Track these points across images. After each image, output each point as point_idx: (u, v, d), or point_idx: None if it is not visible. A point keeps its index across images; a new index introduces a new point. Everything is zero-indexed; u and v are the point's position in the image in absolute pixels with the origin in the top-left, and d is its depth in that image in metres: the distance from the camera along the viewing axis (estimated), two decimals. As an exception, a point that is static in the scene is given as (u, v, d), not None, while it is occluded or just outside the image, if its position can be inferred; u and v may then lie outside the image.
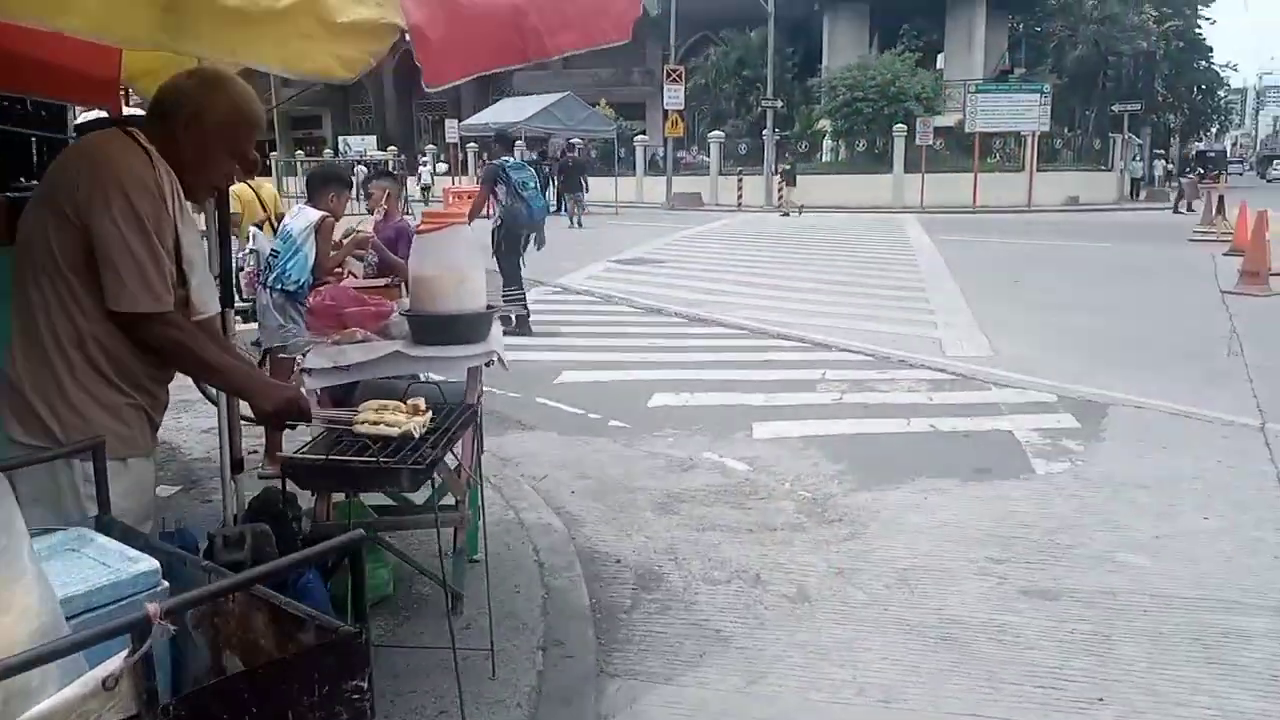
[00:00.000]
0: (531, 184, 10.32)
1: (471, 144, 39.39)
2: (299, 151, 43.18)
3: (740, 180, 36.85)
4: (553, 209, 26.82)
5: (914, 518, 5.26)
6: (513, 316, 9.76)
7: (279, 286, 5.71)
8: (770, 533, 5.08)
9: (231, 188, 5.98)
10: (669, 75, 34.97)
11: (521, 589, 4.22)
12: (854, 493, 5.66)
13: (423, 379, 3.92)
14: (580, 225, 26.56)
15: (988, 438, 6.78)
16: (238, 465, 3.84)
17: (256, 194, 8.14)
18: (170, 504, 5.04)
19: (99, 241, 2.48)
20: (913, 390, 8.14)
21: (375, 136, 48.19)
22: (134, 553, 1.88)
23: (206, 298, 2.78)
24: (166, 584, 1.84)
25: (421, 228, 7.26)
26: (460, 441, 3.81)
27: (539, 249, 10.87)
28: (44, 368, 2.55)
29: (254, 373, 2.73)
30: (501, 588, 4.20)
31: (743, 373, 8.72)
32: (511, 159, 11.17)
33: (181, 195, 2.64)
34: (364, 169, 24.72)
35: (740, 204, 36.13)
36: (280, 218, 7.40)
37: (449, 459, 3.48)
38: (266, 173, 23.50)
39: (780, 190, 33.47)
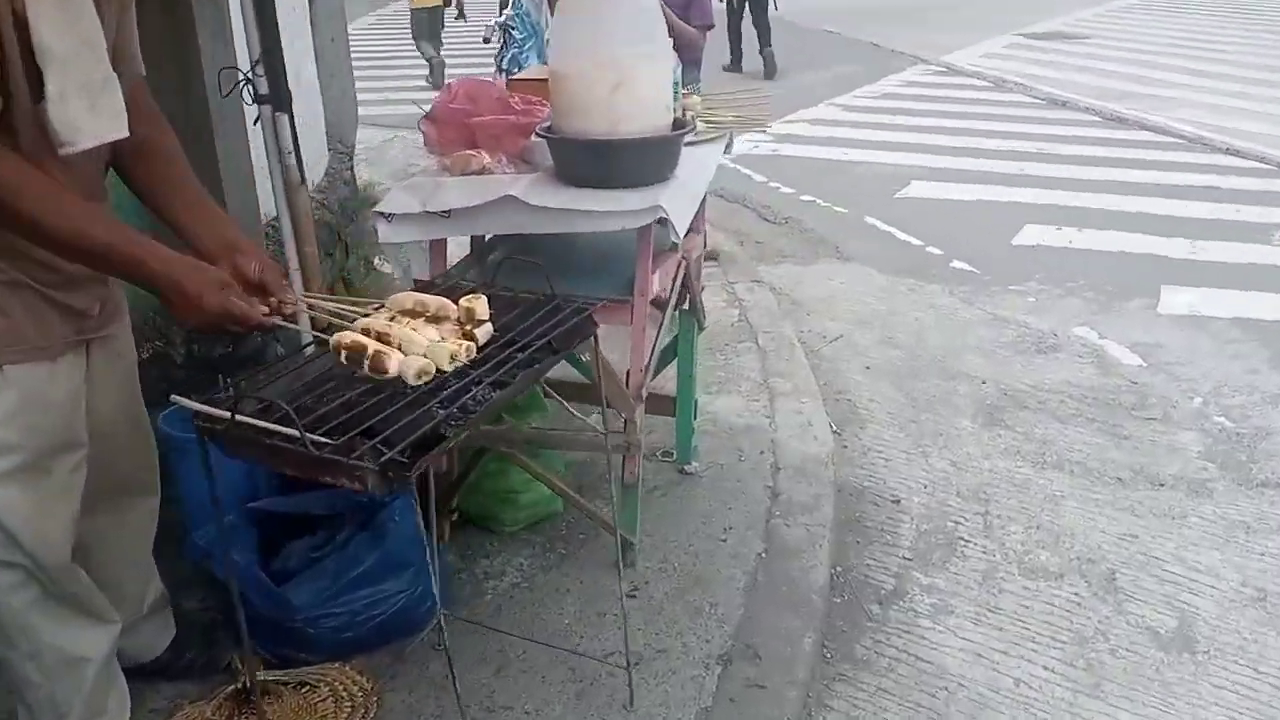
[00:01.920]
0: None
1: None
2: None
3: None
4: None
5: None
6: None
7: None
8: (1153, 491, 3.25)
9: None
10: None
11: (729, 538, 2.86)
12: (1312, 433, 3.59)
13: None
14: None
15: None
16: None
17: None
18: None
19: None
20: None
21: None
22: None
23: (80, 117, 1.56)
24: None
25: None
26: (634, 337, 2.44)
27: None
28: None
29: (155, 254, 1.52)
30: (700, 532, 2.87)
31: (1162, 204, 6.33)
32: None
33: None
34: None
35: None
36: None
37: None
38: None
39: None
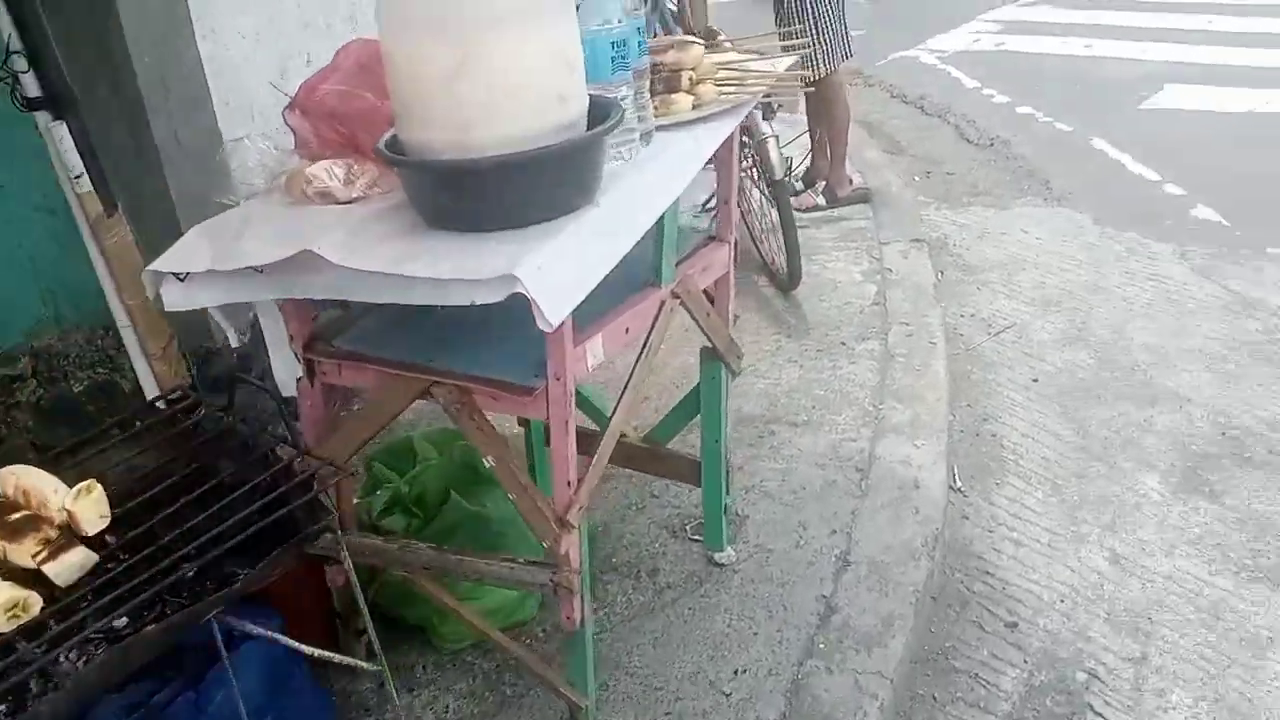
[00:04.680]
0: None
1: None
2: None
3: None
4: None
5: None
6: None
7: None
8: None
9: None
10: None
11: (737, 689, 2.05)
12: None
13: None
14: None
15: None
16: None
17: None
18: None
19: None
20: None
21: None
22: None
23: None
24: None
25: None
26: (554, 444, 1.68)
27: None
28: None
29: None
30: (702, 673, 2.09)
31: None
32: None
33: None
34: None
35: None
36: None
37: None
38: None
39: None
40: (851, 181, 4.42)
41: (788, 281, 3.56)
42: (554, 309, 1.30)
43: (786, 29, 4.15)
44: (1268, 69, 5.49)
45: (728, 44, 2.17)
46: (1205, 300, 3.47)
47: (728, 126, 1.82)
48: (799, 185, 4.42)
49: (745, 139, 3.51)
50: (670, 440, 2.35)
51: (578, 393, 1.98)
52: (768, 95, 1.96)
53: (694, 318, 1.99)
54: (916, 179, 4.87)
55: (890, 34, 7.13)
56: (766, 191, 3.58)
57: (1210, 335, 3.26)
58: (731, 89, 1.90)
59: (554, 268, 1.34)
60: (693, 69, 1.84)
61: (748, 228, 3.90)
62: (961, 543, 2.50)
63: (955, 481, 2.69)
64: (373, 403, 1.76)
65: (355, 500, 2.19)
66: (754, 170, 3.65)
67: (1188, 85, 5.44)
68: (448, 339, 1.73)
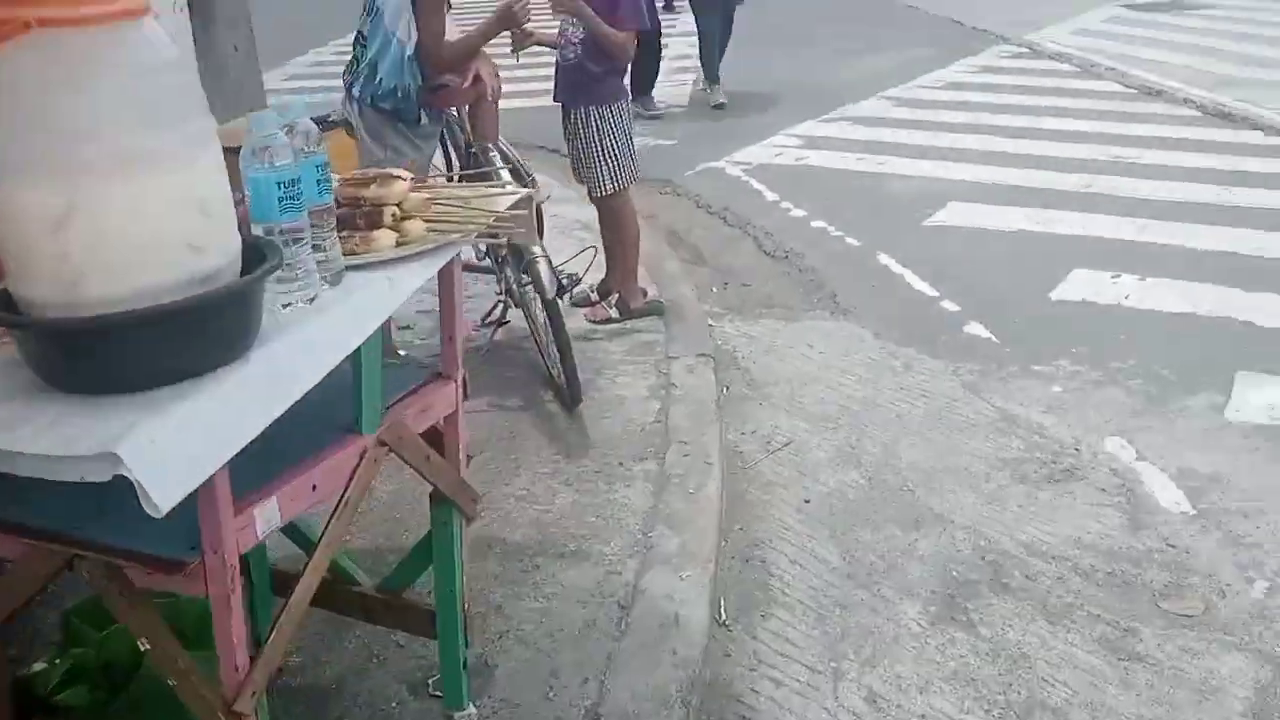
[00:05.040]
0: None
1: None
2: None
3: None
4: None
5: None
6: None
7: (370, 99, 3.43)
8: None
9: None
10: None
11: None
12: None
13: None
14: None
15: None
16: None
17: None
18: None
19: None
20: None
21: None
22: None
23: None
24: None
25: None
26: (216, 624, 1.49)
27: None
28: None
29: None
30: None
31: (1253, 239, 5.00)
32: None
33: None
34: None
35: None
36: None
37: None
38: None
39: None
40: (645, 294, 4.42)
41: (570, 400, 3.48)
42: (166, 491, 1.14)
43: (572, 149, 4.18)
44: (1039, 189, 5.88)
45: (442, 179, 2.09)
46: (973, 418, 3.57)
47: (431, 266, 1.72)
48: (593, 295, 4.39)
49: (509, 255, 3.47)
50: (408, 588, 2.18)
51: (292, 527, 1.80)
52: (489, 234, 1.86)
53: (409, 464, 1.85)
54: (714, 290, 4.92)
55: (700, 145, 7.33)
56: (541, 311, 3.51)
57: (975, 454, 3.34)
58: (446, 226, 1.80)
59: (174, 440, 1.18)
60: (397, 204, 1.74)
61: (535, 343, 3.83)
62: (722, 683, 2.40)
63: (721, 614, 2.61)
64: (10, 576, 1.53)
65: (28, 671, 1.92)
66: (533, 285, 3.58)
67: (969, 203, 5.75)
68: (105, 502, 1.52)
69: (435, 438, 1.97)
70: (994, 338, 4.15)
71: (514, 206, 1.99)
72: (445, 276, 1.88)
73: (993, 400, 3.68)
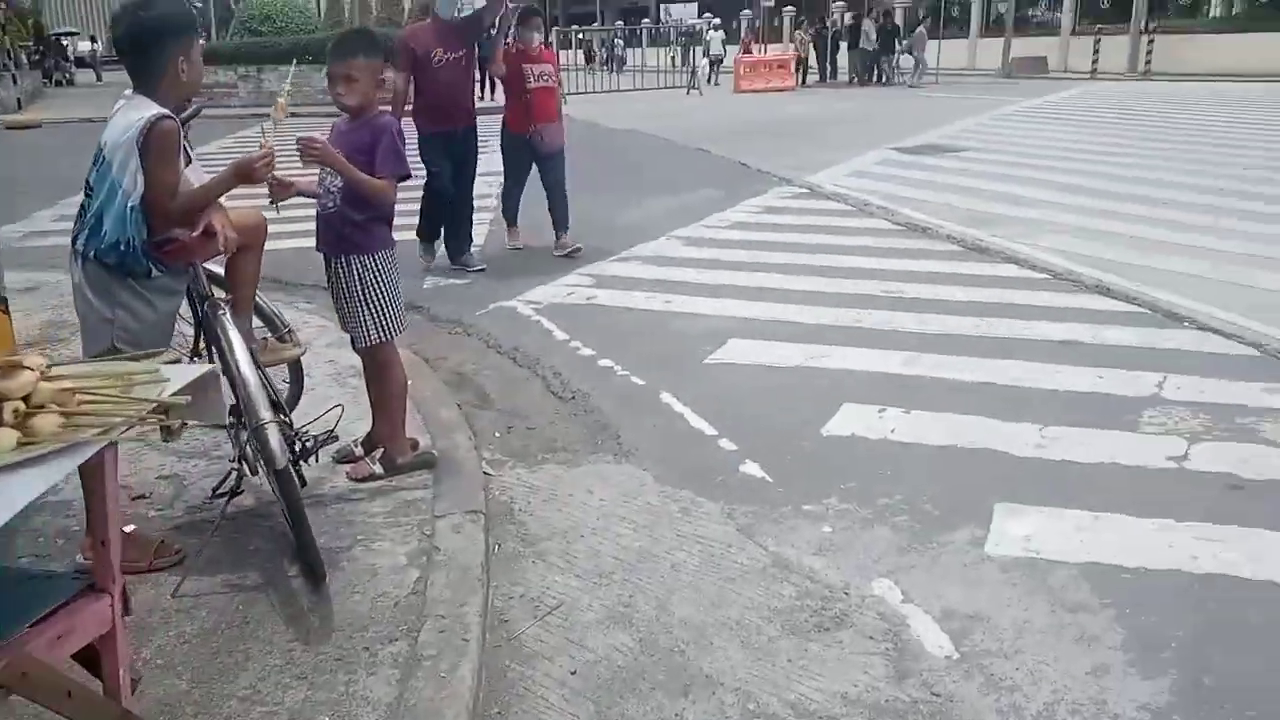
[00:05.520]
0: None
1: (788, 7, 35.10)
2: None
3: (1098, 41, 30.18)
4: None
5: None
6: None
7: (93, 253, 3.14)
8: None
9: None
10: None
11: None
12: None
13: None
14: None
15: None
16: None
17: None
18: None
19: None
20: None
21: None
22: None
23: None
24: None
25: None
26: None
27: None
28: None
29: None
30: None
31: (1010, 369, 5.28)
32: None
33: None
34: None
35: (1095, 71, 29.79)
36: None
37: None
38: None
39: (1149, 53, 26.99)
40: (416, 445, 4.20)
41: (314, 576, 3.18)
42: None
43: (335, 299, 4.00)
44: (814, 325, 6.06)
45: (76, 366, 1.86)
46: (746, 564, 3.49)
47: (57, 470, 1.47)
48: (357, 450, 4.14)
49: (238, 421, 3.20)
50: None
51: None
52: (139, 425, 1.63)
53: (45, 706, 1.55)
54: (497, 435, 4.75)
55: (492, 285, 7.26)
56: (274, 485, 3.22)
57: (748, 604, 3.24)
58: (87, 420, 1.56)
59: None
60: (21, 399, 1.49)
61: (281, 510, 3.51)
62: None
63: (463, 821, 2.34)
64: None
65: None
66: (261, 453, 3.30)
67: (748, 340, 5.86)
68: None
69: (95, 658, 1.68)
70: (768, 477, 4.13)
71: (195, 384, 1.77)
72: (93, 474, 1.63)
73: (766, 544, 3.61)
